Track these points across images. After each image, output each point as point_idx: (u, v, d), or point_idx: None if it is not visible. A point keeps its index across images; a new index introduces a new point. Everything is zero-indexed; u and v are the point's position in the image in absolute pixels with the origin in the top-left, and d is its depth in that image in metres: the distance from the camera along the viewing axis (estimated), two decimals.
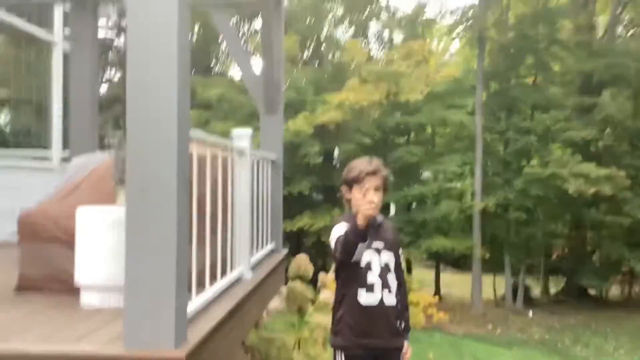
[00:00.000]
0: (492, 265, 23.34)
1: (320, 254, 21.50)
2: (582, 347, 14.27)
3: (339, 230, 2.76)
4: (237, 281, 3.82)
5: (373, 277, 2.74)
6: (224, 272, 3.53)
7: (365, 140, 20.55)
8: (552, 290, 26.08)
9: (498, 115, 23.07)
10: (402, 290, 2.87)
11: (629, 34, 26.14)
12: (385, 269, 2.77)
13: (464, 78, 23.56)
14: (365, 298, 2.72)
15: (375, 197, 2.70)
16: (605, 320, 19.25)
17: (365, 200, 2.67)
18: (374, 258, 2.77)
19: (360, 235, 2.56)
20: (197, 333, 2.60)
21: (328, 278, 6.06)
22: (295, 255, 6.19)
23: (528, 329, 17.39)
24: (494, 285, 23.16)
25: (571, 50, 22.56)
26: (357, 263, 2.73)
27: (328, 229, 18.35)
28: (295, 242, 22.99)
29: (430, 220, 20.81)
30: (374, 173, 2.77)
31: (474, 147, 22.08)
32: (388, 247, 2.83)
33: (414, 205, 23.57)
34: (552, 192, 20.93)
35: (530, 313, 20.36)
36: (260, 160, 5.17)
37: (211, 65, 25.85)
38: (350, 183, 2.81)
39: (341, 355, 2.78)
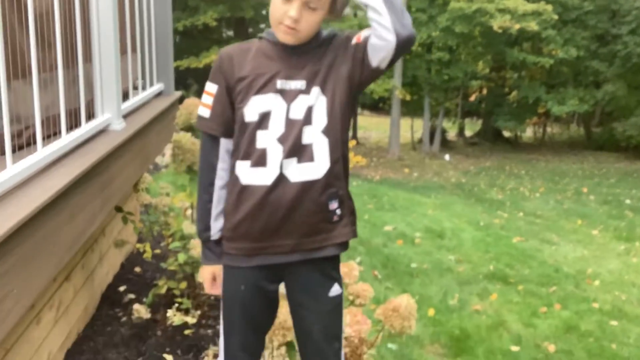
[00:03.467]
0: (412, 108, 23.22)
1: None
2: (498, 190, 14.58)
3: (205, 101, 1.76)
4: (101, 134, 2.94)
5: (267, 139, 1.66)
6: (74, 123, 2.64)
7: None
8: (468, 133, 26.65)
9: None
10: (342, 158, 1.73)
11: None
12: (296, 125, 1.65)
13: None
14: (248, 175, 1.68)
15: (302, 13, 1.60)
16: (520, 162, 19.88)
17: (281, 10, 1.62)
18: (277, 106, 1.66)
19: None
20: (21, 208, 1.79)
21: None
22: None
23: (444, 173, 17.66)
24: (412, 129, 23.24)
25: None
26: (241, 115, 1.69)
27: None
28: (203, 81, 21.81)
29: None
30: None
31: None
32: (319, 82, 1.66)
33: None
34: (476, 30, 20.47)
35: (447, 157, 20.71)
36: None
37: None
38: None
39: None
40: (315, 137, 1.67)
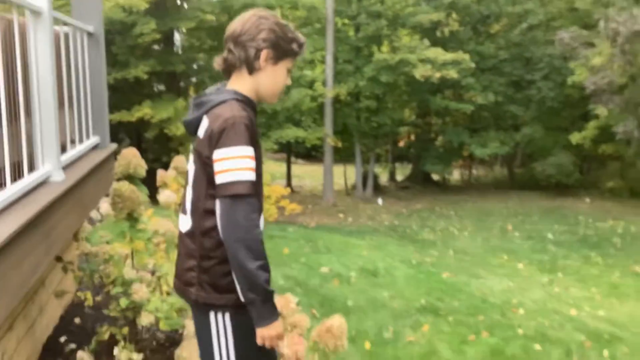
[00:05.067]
0: (344, 155, 23.81)
1: (164, 150, 20.41)
2: (429, 230, 15.08)
3: (245, 164, 1.76)
4: (42, 185, 3.05)
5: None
6: (17, 175, 2.75)
7: (208, 17, 18.86)
8: (399, 177, 27.44)
9: None
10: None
11: None
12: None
13: None
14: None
15: None
16: (448, 204, 20.60)
17: (284, 82, 1.95)
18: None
19: None
20: None
21: (168, 176, 5.38)
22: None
23: (378, 217, 18.09)
24: (345, 175, 23.74)
25: None
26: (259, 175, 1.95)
27: (172, 121, 16.84)
28: (135, 135, 21.59)
29: (282, 110, 20.39)
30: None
31: (324, 32, 21.62)
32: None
33: None
34: (400, 79, 21.37)
35: (380, 200, 21.22)
36: (72, 32, 4.23)
37: None
38: (285, 52, 1.89)
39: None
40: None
